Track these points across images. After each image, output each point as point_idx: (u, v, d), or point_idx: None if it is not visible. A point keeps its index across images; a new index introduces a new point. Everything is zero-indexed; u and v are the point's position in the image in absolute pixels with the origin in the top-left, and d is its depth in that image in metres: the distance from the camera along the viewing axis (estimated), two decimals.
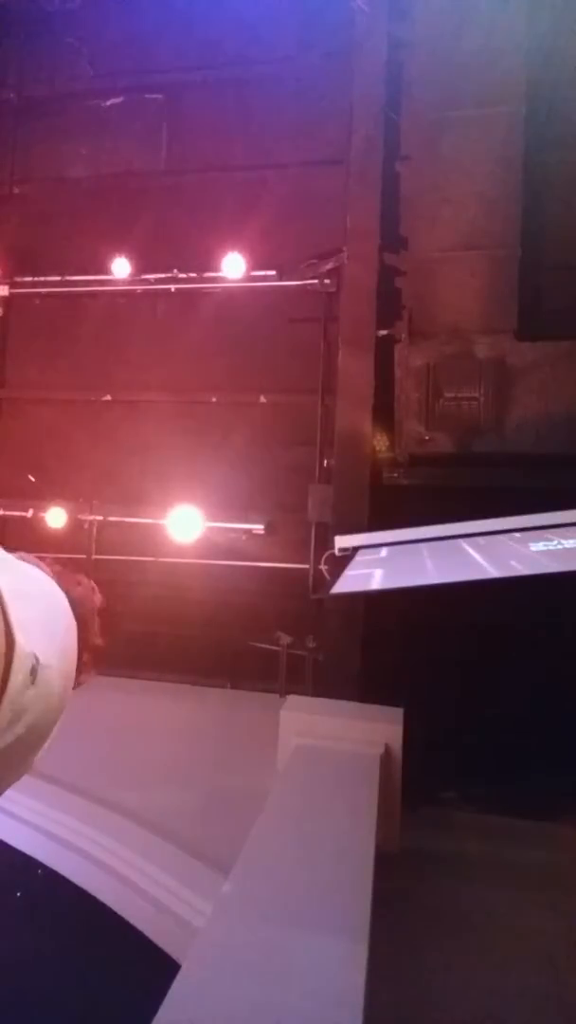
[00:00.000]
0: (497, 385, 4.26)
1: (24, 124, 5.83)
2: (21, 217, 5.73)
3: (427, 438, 4.39)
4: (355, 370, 4.63)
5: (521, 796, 3.68)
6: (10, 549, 0.70)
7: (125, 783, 3.49)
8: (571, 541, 3.00)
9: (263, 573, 5.03)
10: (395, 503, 4.41)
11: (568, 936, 2.59)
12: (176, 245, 5.37)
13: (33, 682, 0.55)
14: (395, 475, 4.50)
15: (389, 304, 4.63)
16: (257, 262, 5.17)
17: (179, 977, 1.62)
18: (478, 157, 4.43)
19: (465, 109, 4.46)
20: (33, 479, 5.53)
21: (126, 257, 5.34)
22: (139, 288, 5.43)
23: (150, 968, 2.37)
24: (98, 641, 0.78)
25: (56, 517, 5.26)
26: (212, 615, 5.04)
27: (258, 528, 5.06)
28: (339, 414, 4.68)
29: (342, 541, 4.15)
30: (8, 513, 5.46)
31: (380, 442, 4.62)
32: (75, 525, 5.29)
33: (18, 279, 5.66)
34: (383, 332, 4.60)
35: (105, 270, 5.40)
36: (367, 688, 4.01)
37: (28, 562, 0.71)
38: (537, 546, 3.07)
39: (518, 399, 4.26)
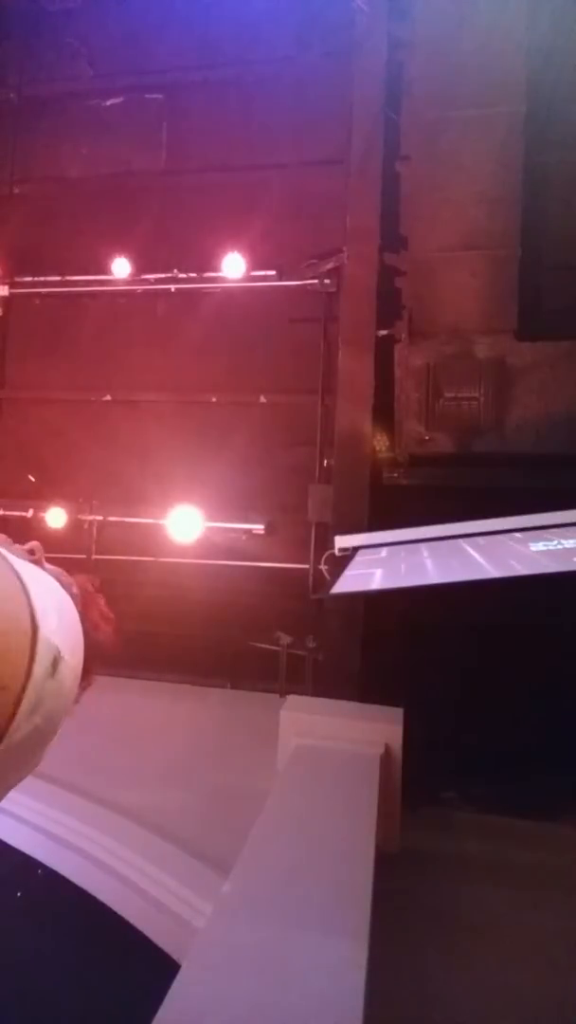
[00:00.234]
0: (497, 385, 4.26)
1: (24, 124, 5.83)
2: (21, 217, 5.73)
3: (427, 438, 4.39)
4: (355, 370, 4.63)
5: (521, 796, 3.68)
6: (16, 540, 0.71)
7: (125, 783, 3.49)
8: (571, 541, 3.00)
9: (263, 573, 5.03)
10: (395, 503, 4.41)
11: (568, 936, 2.59)
12: (176, 245, 5.37)
13: (54, 674, 0.56)
14: (395, 475, 4.50)
15: (389, 304, 4.63)
16: (257, 262, 5.17)
17: (179, 977, 1.62)
18: (478, 157, 4.42)
19: (465, 109, 4.46)
20: (33, 479, 5.53)
21: (126, 257, 5.34)
22: (139, 288, 5.44)
23: (150, 968, 2.37)
24: (105, 638, 0.78)
25: (56, 517, 5.26)
26: (212, 615, 5.04)
27: (258, 528, 5.06)
28: (339, 414, 4.68)
29: (342, 541, 4.15)
30: (8, 513, 5.46)
31: (380, 442, 4.62)
32: (75, 525, 5.29)
33: (18, 279, 5.66)
34: (383, 332, 4.60)
35: (105, 270, 5.40)
36: (367, 688, 4.00)
37: (24, 557, 0.71)
38: (537, 546, 3.07)
39: (518, 399, 4.26)
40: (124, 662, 4.83)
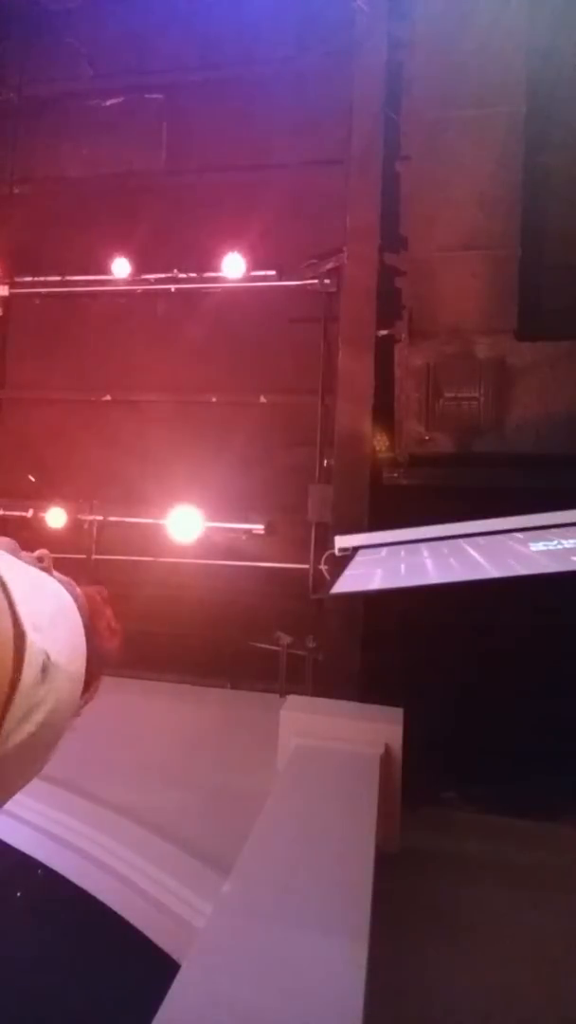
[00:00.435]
0: (497, 385, 4.26)
1: (24, 124, 5.83)
2: (21, 217, 5.73)
3: (427, 438, 4.39)
4: (355, 370, 4.63)
5: (521, 796, 3.68)
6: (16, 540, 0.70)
7: (125, 783, 3.49)
8: (571, 541, 3.00)
9: (263, 573, 5.03)
10: (395, 503, 4.41)
11: (568, 936, 2.59)
12: (176, 245, 5.37)
13: (44, 680, 0.55)
14: (395, 475, 4.49)
15: (389, 304, 4.63)
16: (257, 262, 5.17)
17: (179, 977, 1.62)
18: (478, 157, 4.42)
19: (465, 109, 4.46)
20: (33, 479, 5.53)
21: (126, 257, 5.34)
22: (139, 288, 5.43)
23: (150, 968, 2.37)
24: (111, 649, 0.78)
25: (56, 517, 5.26)
26: (212, 615, 5.04)
27: (258, 528, 5.06)
28: (339, 414, 4.68)
29: (342, 541, 4.14)
30: (8, 513, 5.46)
31: (380, 442, 4.62)
32: (75, 525, 5.29)
33: (18, 279, 5.66)
34: (383, 332, 4.60)
35: (105, 270, 5.40)
36: (367, 688, 4.01)
37: (32, 564, 0.71)
38: (537, 546, 3.07)
39: (518, 399, 4.26)
40: (124, 662, 4.83)
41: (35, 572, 0.69)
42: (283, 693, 4.44)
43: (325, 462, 4.95)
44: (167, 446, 5.30)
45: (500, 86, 4.42)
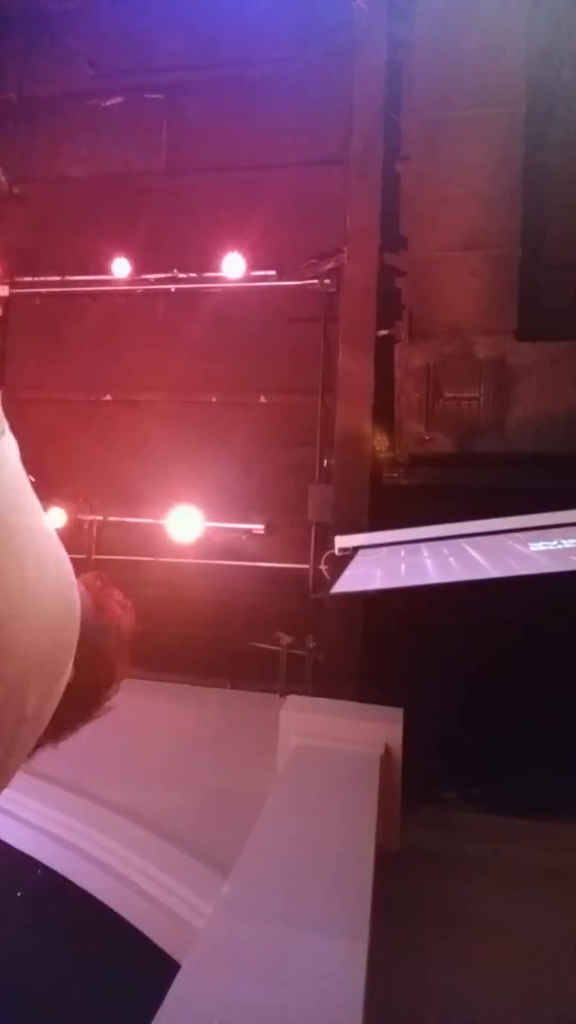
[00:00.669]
0: (497, 385, 4.26)
1: (24, 124, 5.83)
2: (21, 217, 5.73)
3: (427, 438, 4.39)
4: (355, 370, 4.63)
5: (521, 796, 3.68)
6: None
7: (125, 783, 3.49)
8: (571, 541, 3.00)
9: (263, 573, 5.03)
10: (395, 503, 4.41)
11: (568, 936, 2.59)
12: (176, 245, 5.37)
13: None
14: (395, 475, 4.49)
15: (389, 304, 4.63)
16: (257, 262, 5.17)
17: (179, 977, 1.62)
18: (478, 157, 4.42)
19: (465, 109, 4.46)
20: (33, 479, 5.52)
21: (126, 257, 5.34)
22: (139, 288, 5.43)
23: (150, 968, 2.37)
24: (127, 620, 0.75)
25: (56, 517, 5.26)
26: (212, 615, 5.04)
27: (258, 528, 5.06)
28: (339, 414, 4.68)
29: (342, 541, 4.15)
30: None
31: (380, 442, 4.62)
32: (75, 525, 5.29)
33: (18, 279, 5.66)
34: (383, 332, 4.60)
35: (105, 270, 5.40)
36: (367, 688, 4.00)
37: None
38: (537, 546, 3.07)
39: (518, 399, 4.26)
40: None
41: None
42: (283, 693, 4.44)
43: (325, 462, 4.95)
44: (167, 446, 5.30)
45: (500, 86, 4.41)
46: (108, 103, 5.69)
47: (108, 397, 5.51)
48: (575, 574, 2.63)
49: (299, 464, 5.05)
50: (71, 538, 5.24)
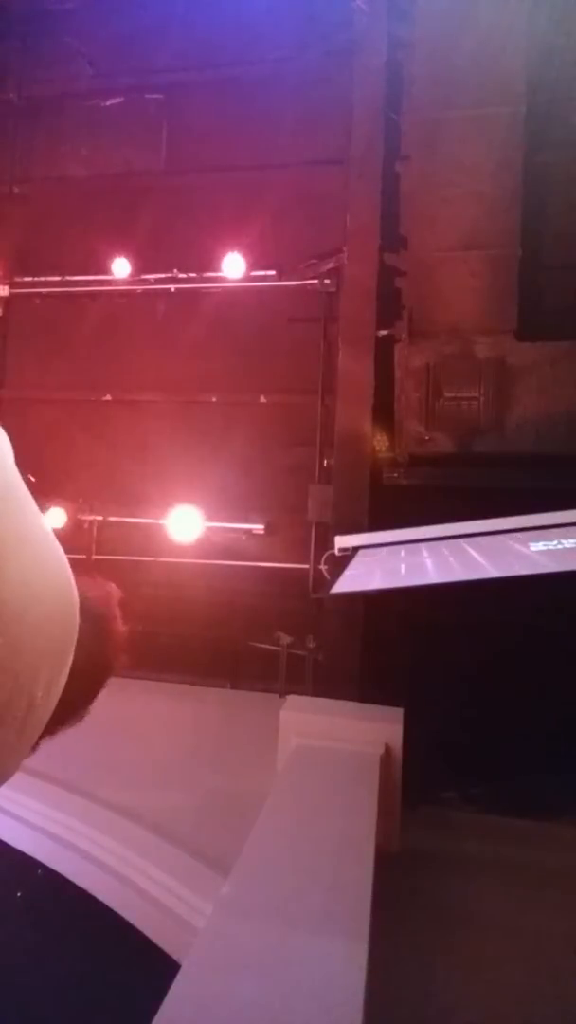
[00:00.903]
0: (497, 385, 4.26)
1: (24, 124, 5.83)
2: (21, 217, 5.73)
3: (427, 438, 4.39)
4: (355, 370, 4.63)
5: (521, 796, 3.68)
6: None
7: (125, 783, 3.49)
8: (571, 541, 3.00)
9: (263, 573, 5.03)
10: (395, 503, 4.41)
11: (568, 936, 2.59)
12: (176, 245, 5.37)
13: None
14: (395, 475, 4.49)
15: (389, 304, 4.63)
16: (257, 262, 5.17)
17: (179, 977, 1.62)
18: (478, 157, 4.42)
19: (465, 109, 4.46)
20: (33, 479, 5.51)
21: (126, 257, 5.34)
22: (139, 288, 5.44)
23: (150, 968, 2.37)
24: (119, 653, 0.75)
25: (56, 517, 5.26)
26: (212, 615, 5.04)
27: (258, 528, 5.06)
28: (339, 414, 4.68)
29: (342, 541, 4.15)
30: None
31: (380, 442, 4.62)
32: (75, 525, 5.29)
33: (18, 279, 5.66)
34: (383, 332, 4.60)
35: (105, 270, 5.40)
36: (367, 688, 4.00)
37: None
38: (537, 546, 3.07)
39: (518, 399, 4.26)
40: (124, 662, 4.83)
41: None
42: (283, 693, 4.44)
43: (325, 462, 4.95)
44: (167, 446, 5.30)
45: (500, 86, 4.42)
46: (108, 103, 5.70)
47: (108, 397, 5.51)
48: (575, 574, 2.63)
49: (299, 464, 5.05)
50: (71, 538, 5.24)
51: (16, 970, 2.62)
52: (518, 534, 3.39)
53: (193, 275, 5.31)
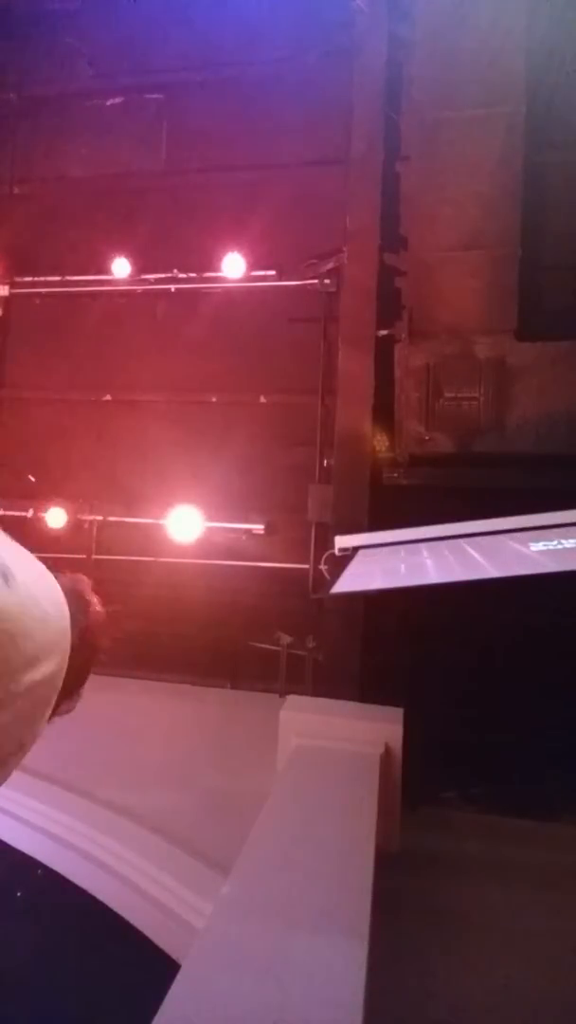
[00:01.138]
0: (497, 385, 4.26)
1: (24, 124, 5.83)
2: (21, 217, 5.73)
3: (427, 438, 4.39)
4: (355, 370, 4.63)
5: (521, 796, 3.68)
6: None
7: (125, 783, 3.49)
8: (571, 541, 3.00)
9: (263, 573, 5.03)
10: (395, 503, 4.41)
11: (568, 936, 2.59)
12: (176, 245, 5.37)
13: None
14: (395, 475, 4.49)
15: (389, 304, 4.63)
16: (257, 262, 5.17)
17: (179, 977, 1.62)
18: (478, 157, 4.42)
19: (465, 109, 4.46)
20: (33, 479, 5.53)
21: (126, 257, 5.34)
22: (139, 288, 5.44)
23: (150, 968, 2.37)
24: (102, 660, 0.77)
25: (56, 517, 5.26)
26: (212, 615, 5.04)
27: (258, 528, 5.06)
28: (339, 414, 4.68)
29: (342, 541, 4.15)
30: (8, 513, 5.46)
31: (380, 442, 4.62)
32: (75, 525, 5.29)
33: (18, 279, 5.66)
34: (383, 332, 4.60)
35: (105, 270, 5.40)
36: (367, 688, 4.01)
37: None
38: (537, 546, 3.07)
39: (518, 399, 4.26)
40: (124, 662, 4.84)
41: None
42: (283, 693, 4.44)
43: (325, 462, 4.95)
44: (167, 446, 5.30)
45: (500, 86, 4.42)
46: (108, 103, 5.70)
47: (108, 397, 5.51)
48: (575, 574, 2.63)
49: (299, 464, 5.05)
50: (71, 538, 5.24)
51: (16, 970, 2.62)
52: (518, 534, 3.38)
53: (193, 275, 5.31)
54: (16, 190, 5.80)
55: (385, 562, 3.70)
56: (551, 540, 3.10)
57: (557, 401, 4.20)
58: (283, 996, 1.59)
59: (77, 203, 5.66)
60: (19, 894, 3.00)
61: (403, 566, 3.50)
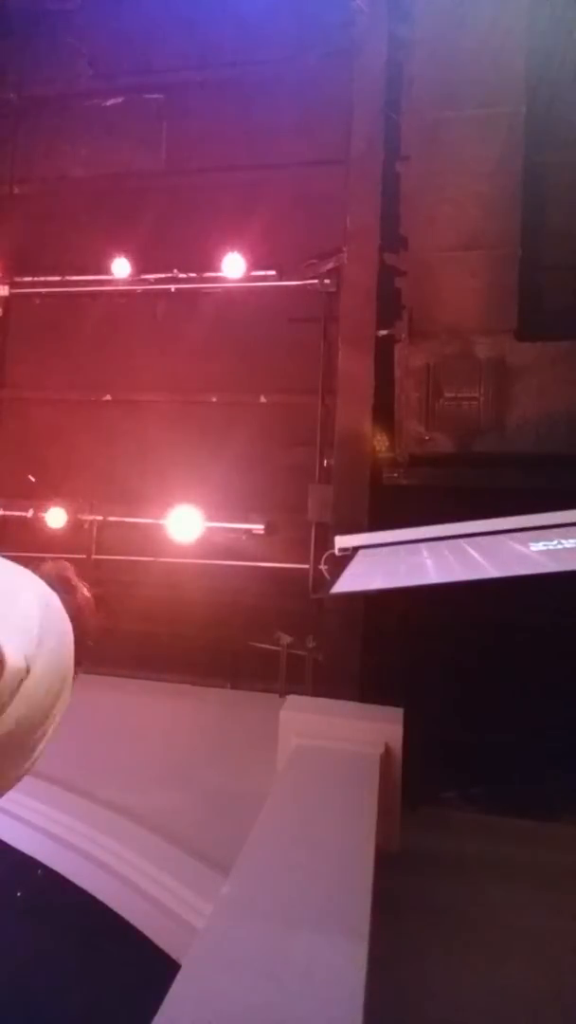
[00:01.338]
0: (497, 385, 4.26)
1: (24, 124, 5.83)
2: (21, 217, 5.73)
3: (427, 438, 4.39)
4: (355, 370, 4.63)
5: (521, 796, 3.68)
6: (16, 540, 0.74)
7: (125, 783, 3.49)
8: (571, 541, 3.00)
9: (263, 573, 5.03)
10: (395, 503, 4.41)
11: (568, 936, 2.59)
12: (176, 245, 5.38)
13: (18, 690, 0.57)
14: (395, 475, 4.49)
15: (389, 304, 4.63)
16: (257, 262, 5.17)
17: (179, 977, 1.62)
18: (478, 157, 4.42)
19: (465, 109, 4.46)
20: (33, 479, 5.53)
21: (126, 257, 5.34)
22: (139, 288, 5.44)
23: (150, 968, 2.37)
24: (90, 643, 0.78)
25: (56, 517, 5.26)
26: (212, 615, 5.04)
27: (258, 528, 5.06)
28: (339, 414, 4.68)
29: (342, 541, 4.15)
30: (8, 513, 5.46)
31: (380, 442, 4.62)
32: (75, 525, 5.29)
33: (18, 279, 5.66)
34: (383, 332, 4.60)
35: (105, 270, 5.40)
36: (367, 688, 4.01)
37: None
38: (537, 546, 3.07)
39: (518, 399, 4.26)
40: (124, 662, 4.84)
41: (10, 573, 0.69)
42: (283, 693, 4.44)
43: (325, 462, 4.95)
44: (167, 446, 5.30)
45: (500, 86, 4.42)
46: (108, 103, 5.70)
47: (108, 397, 5.51)
48: (575, 574, 2.63)
49: (299, 464, 5.05)
50: (71, 538, 5.24)
51: (16, 970, 2.62)
52: (518, 534, 3.38)
53: (193, 275, 5.31)
54: (16, 190, 5.80)
55: (385, 562, 3.70)
56: (551, 540, 3.10)
57: (557, 401, 4.20)
58: (283, 996, 1.59)
59: (77, 203, 5.66)
60: (19, 894, 3.00)
61: (403, 566, 3.50)
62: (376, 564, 3.72)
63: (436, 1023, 2.23)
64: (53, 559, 0.79)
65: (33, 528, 5.30)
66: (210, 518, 5.05)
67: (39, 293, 5.65)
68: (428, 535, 3.69)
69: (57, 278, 5.57)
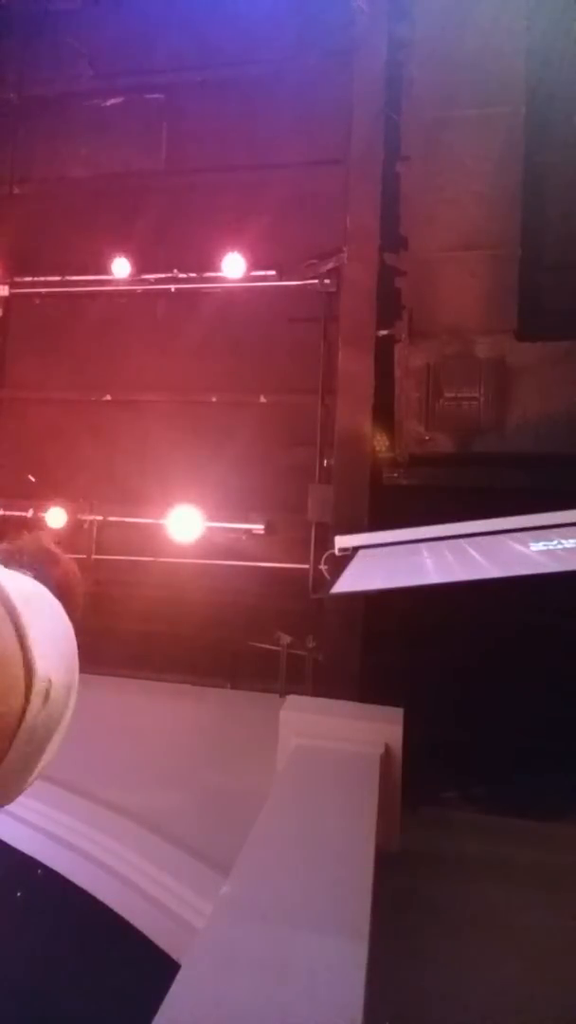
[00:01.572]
0: (497, 385, 4.26)
1: (24, 124, 5.83)
2: (21, 217, 5.73)
3: (427, 438, 4.39)
4: (355, 370, 4.63)
5: (521, 796, 3.68)
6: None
7: (125, 783, 3.49)
8: (571, 541, 3.00)
9: (263, 573, 5.03)
10: (395, 503, 4.41)
11: (568, 936, 2.59)
12: (176, 245, 5.37)
13: (45, 704, 0.56)
14: (395, 475, 4.50)
15: (389, 304, 4.63)
16: (257, 262, 5.17)
17: (179, 977, 1.62)
18: (478, 157, 4.42)
19: (465, 109, 4.46)
20: (33, 479, 5.53)
21: (126, 257, 5.34)
22: (139, 288, 5.44)
23: (150, 968, 2.37)
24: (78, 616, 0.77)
25: (56, 517, 5.26)
26: (212, 615, 5.04)
27: (258, 528, 5.06)
28: (339, 414, 4.68)
29: (342, 541, 4.15)
30: (8, 513, 5.46)
31: (380, 442, 4.62)
32: (75, 525, 5.29)
33: (18, 279, 5.66)
34: (383, 332, 4.60)
35: (105, 270, 5.40)
36: (367, 688, 4.00)
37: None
38: (537, 546, 3.07)
39: (518, 399, 4.26)
40: (124, 662, 4.84)
41: (24, 581, 0.67)
42: (283, 693, 4.44)
43: (325, 462, 4.95)
44: (167, 446, 5.30)
45: (500, 86, 4.42)
46: (108, 103, 5.70)
47: (108, 397, 5.51)
48: (575, 574, 2.63)
49: (299, 464, 5.05)
50: (71, 538, 5.24)
51: (16, 970, 2.62)
52: (518, 534, 3.38)
53: (193, 275, 5.31)
54: (16, 190, 5.81)
55: (385, 562, 3.70)
56: (551, 540, 3.10)
57: (557, 401, 4.20)
58: (283, 996, 1.59)
59: (77, 203, 5.66)
60: (19, 894, 3.00)
61: (403, 566, 3.50)
62: (376, 564, 3.72)
63: (436, 1023, 2.23)
64: (30, 532, 0.78)
65: (33, 528, 5.29)
66: (210, 518, 5.05)
67: (39, 293, 5.65)
68: (428, 535, 3.69)
69: (57, 278, 5.57)
